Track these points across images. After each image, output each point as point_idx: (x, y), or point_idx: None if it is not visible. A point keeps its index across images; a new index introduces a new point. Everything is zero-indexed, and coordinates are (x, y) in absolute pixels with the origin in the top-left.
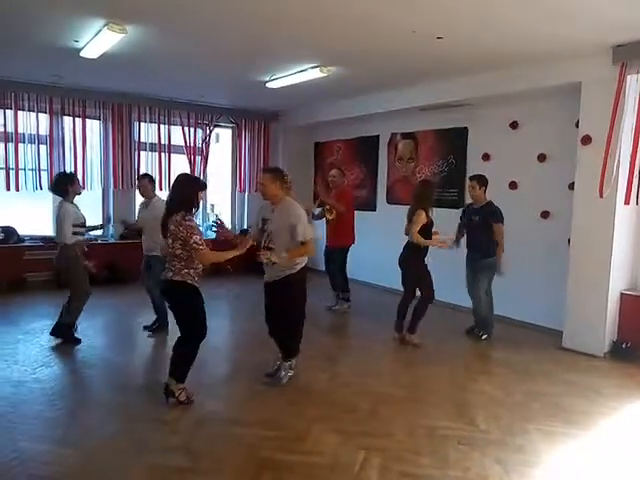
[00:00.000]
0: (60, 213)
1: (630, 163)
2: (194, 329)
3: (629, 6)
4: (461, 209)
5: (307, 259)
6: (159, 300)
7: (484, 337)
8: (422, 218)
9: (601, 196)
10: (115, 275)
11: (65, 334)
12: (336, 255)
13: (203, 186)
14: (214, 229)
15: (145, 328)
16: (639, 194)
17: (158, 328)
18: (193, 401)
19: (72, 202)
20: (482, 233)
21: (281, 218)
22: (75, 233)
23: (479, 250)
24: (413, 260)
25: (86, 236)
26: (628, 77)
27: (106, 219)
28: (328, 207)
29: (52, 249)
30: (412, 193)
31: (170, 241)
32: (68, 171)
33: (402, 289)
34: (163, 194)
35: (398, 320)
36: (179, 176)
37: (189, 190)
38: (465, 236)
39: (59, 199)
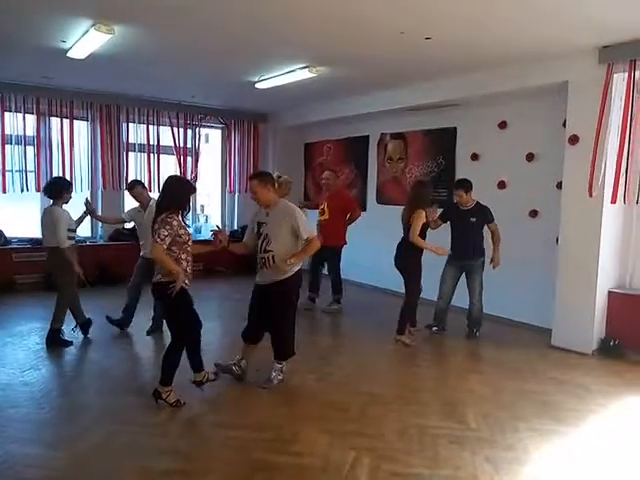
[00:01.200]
0: (54, 217)
1: (616, 162)
2: (178, 330)
3: (615, 8)
4: (445, 207)
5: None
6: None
7: (477, 333)
8: (423, 217)
9: (590, 195)
10: (105, 276)
11: (54, 339)
12: (328, 255)
13: (193, 189)
14: (212, 236)
15: (148, 334)
16: (626, 193)
17: (155, 329)
18: (184, 403)
19: (61, 207)
20: (478, 234)
21: (279, 220)
22: (67, 237)
23: (474, 251)
24: (412, 258)
25: (76, 239)
26: (614, 77)
27: (91, 204)
28: (322, 208)
29: (40, 251)
30: (408, 195)
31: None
32: (62, 175)
33: (394, 290)
34: (153, 196)
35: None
36: (169, 178)
37: (179, 192)
38: (452, 238)
39: (47, 202)
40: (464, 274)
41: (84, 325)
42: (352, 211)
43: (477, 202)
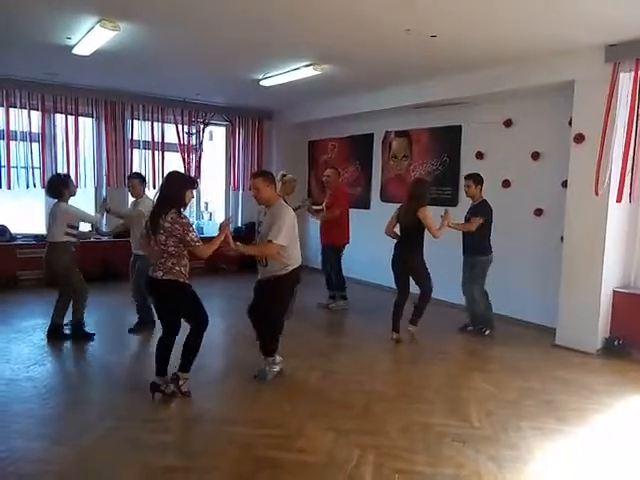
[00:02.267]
0: (68, 214)
1: (622, 161)
2: (197, 321)
3: (621, 6)
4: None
5: (301, 260)
6: (142, 298)
7: (487, 332)
8: (431, 214)
9: (597, 194)
10: (107, 272)
11: (78, 332)
12: (329, 253)
13: (192, 184)
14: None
15: (130, 331)
16: (631, 192)
17: (140, 326)
18: (190, 395)
19: (66, 202)
20: (474, 231)
21: (270, 220)
22: (68, 234)
23: (472, 248)
24: (419, 258)
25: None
26: (621, 76)
27: (100, 215)
28: (323, 206)
29: (44, 247)
30: (408, 192)
31: (163, 238)
32: (61, 172)
33: (396, 287)
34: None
35: (396, 320)
36: (169, 173)
37: (178, 188)
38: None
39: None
40: None
41: (78, 327)
42: (342, 207)
43: (483, 200)
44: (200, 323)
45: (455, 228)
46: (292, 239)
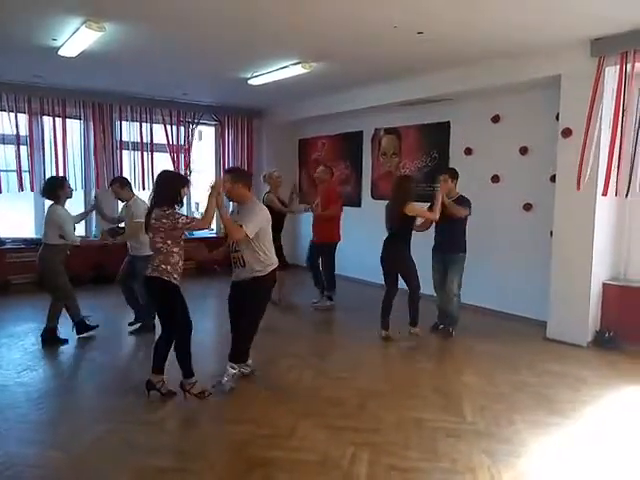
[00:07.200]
0: (57, 219)
1: (608, 155)
2: (174, 325)
3: (605, 0)
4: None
5: (276, 264)
6: (143, 298)
7: (453, 332)
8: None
9: (578, 188)
10: (100, 275)
11: (50, 338)
12: (324, 251)
13: (186, 182)
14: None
15: (130, 325)
16: (617, 185)
17: (141, 327)
18: (175, 393)
19: (63, 206)
20: (454, 227)
21: (241, 215)
22: (62, 237)
23: (449, 245)
24: (407, 254)
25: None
26: (606, 69)
27: (90, 207)
28: (315, 204)
29: (35, 251)
30: (392, 189)
31: (151, 235)
32: (56, 174)
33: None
34: (147, 193)
35: (385, 317)
36: (161, 173)
37: (172, 187)
38: (434, 231)
39: (44, 201)
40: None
41: (79, 324)
42: (332, 206)
43: (460, 195)
44: (181, 325)
45: (449, 205)
46: (268, 239)
